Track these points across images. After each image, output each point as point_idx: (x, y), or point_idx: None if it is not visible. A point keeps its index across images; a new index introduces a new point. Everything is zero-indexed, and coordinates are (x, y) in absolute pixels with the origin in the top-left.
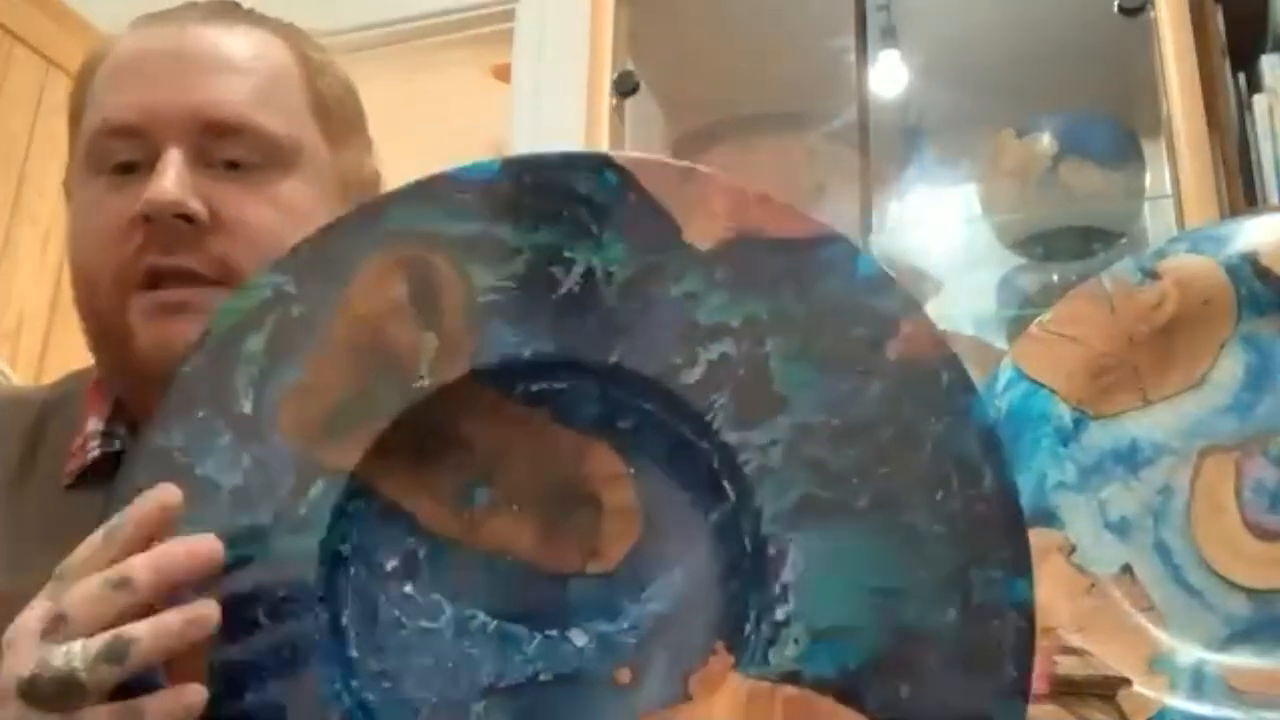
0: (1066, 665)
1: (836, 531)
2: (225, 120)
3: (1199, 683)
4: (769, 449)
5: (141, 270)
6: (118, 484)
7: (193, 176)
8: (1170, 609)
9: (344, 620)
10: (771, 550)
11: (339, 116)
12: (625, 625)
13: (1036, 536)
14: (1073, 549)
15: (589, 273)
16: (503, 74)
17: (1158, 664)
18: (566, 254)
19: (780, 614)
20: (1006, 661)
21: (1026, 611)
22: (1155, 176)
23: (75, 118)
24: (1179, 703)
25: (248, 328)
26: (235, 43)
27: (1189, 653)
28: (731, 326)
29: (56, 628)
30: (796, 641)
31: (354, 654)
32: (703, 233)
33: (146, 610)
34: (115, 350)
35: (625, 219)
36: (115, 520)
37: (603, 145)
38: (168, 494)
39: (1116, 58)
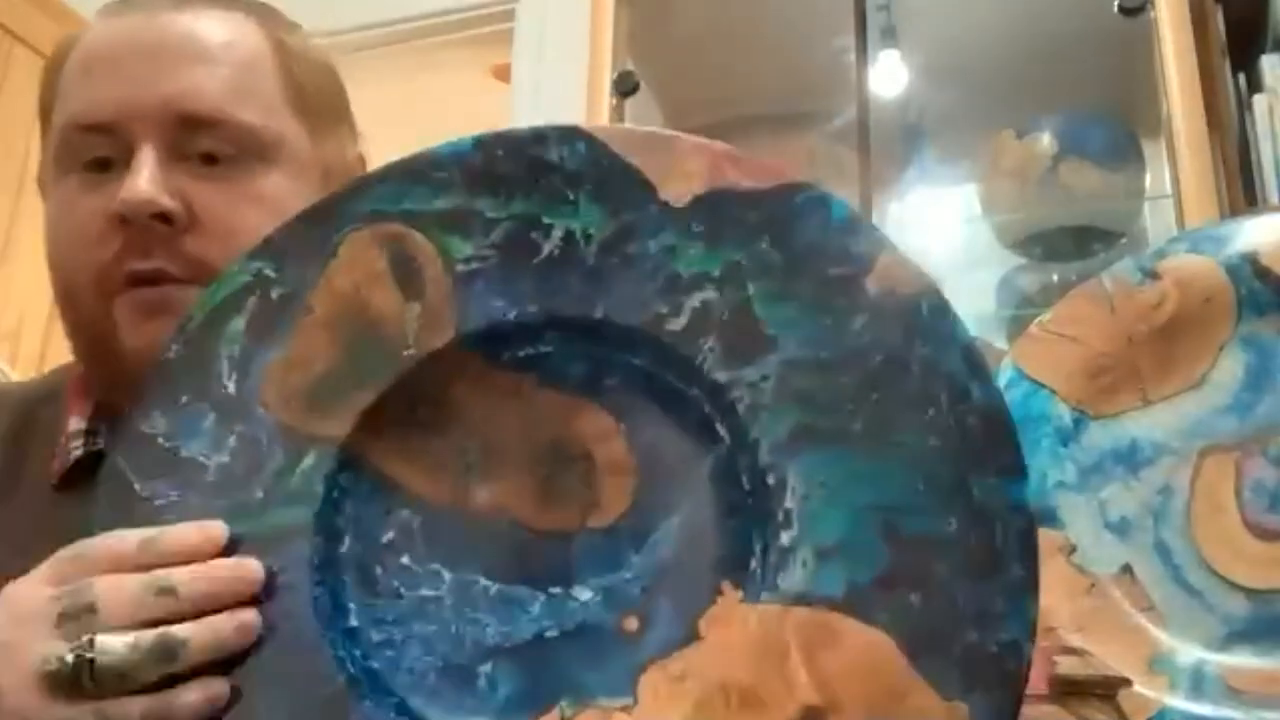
0: (1066, 665)
1: (833, 455)
2: (199, 113)
3: (1199, 683)
4: (760, 385)
5: (121, 275)
6: (103, 471)
7: (168, 173)
8: (1170, 609)
9: (342, 592)
10: (771, 480)
11: (318, 103)
12: (629, 575)
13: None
14: (1073, 549)
15: (568, 236)
16: (503, 74)
17: (1158, 664)
18: (545, 220)
19: (785, 539)
20: (1012, 561)
21: (1025, 511)
22: (1155, 176)
23: (45, 111)
24: (1179, 703)
25: (229, 312)
26: (208, 30)
27: (1189, 653)
28: (712, 275)
29: (79, 616)
30: (805, 564)
31: (355, 624)
32: (677, 190)
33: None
34: (100, 352)
35: (600, 183)
36: (152, 533)
37: None
38: (214, 530)
39: (1116, 58)
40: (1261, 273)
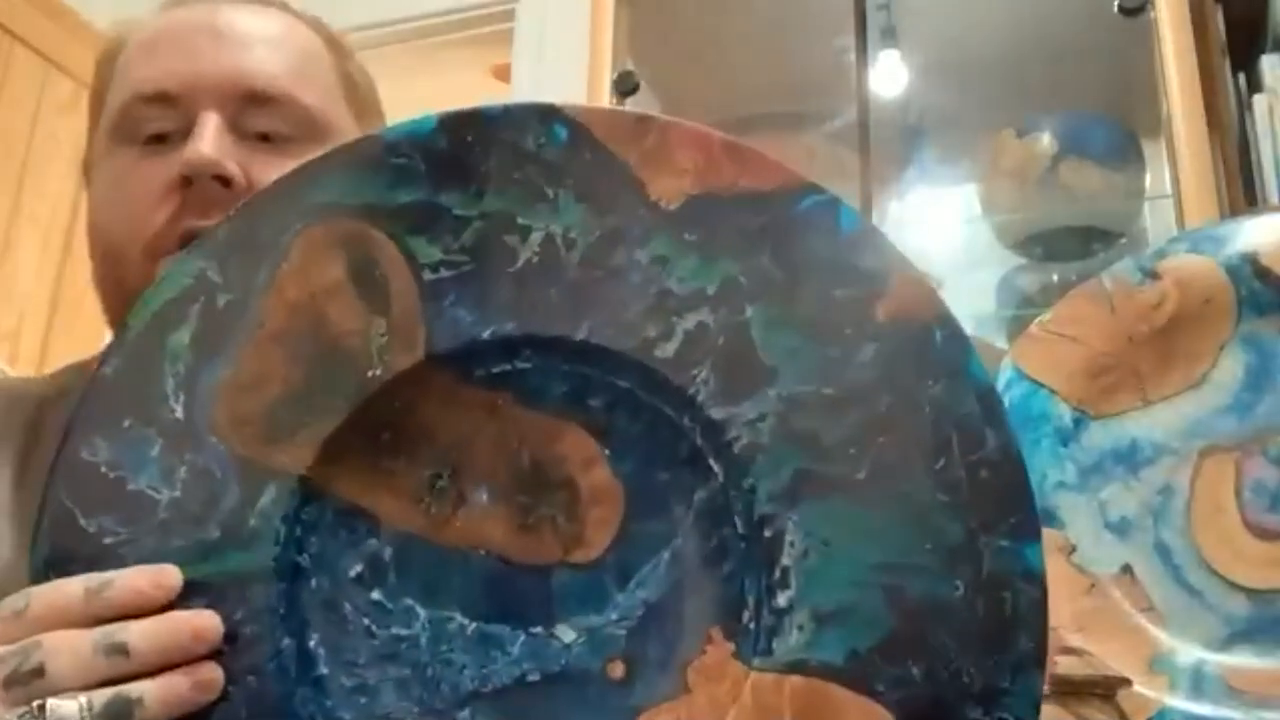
0: (1066, 665)
1: (836, 507)
2: (263, 89)
3: (1199, 683)
4: (758, 424)
5: (176, 235)
6: (44, 500)
7: (229, 144)
8: (1170, 609)
9: (310, 638)
10: (768, 532)
11: (366, 99)
12: (614, 616)
13: None
14: (1073, 549)
15: (548, 241)
16: (503, 74)
17: (1158, 664)
18: (521, 221)
19: (782, 600)
20: (1020, 632)
21: (1038, 579)
22: (1155, 176)
23: (99, 95)
24: (1179, 703)
25: (170, 322)
26: (268, 22)
27: (1189, 653)
28: (707, 293)
29: (28, 682)
30: (801, 628)
31: (324, 671)
32: (668, 190)
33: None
34: None
35: (582, 178)
36: (99, 581)
37: None
38: (168, 576)
39: (1116, 58)
40: (1261, 273)
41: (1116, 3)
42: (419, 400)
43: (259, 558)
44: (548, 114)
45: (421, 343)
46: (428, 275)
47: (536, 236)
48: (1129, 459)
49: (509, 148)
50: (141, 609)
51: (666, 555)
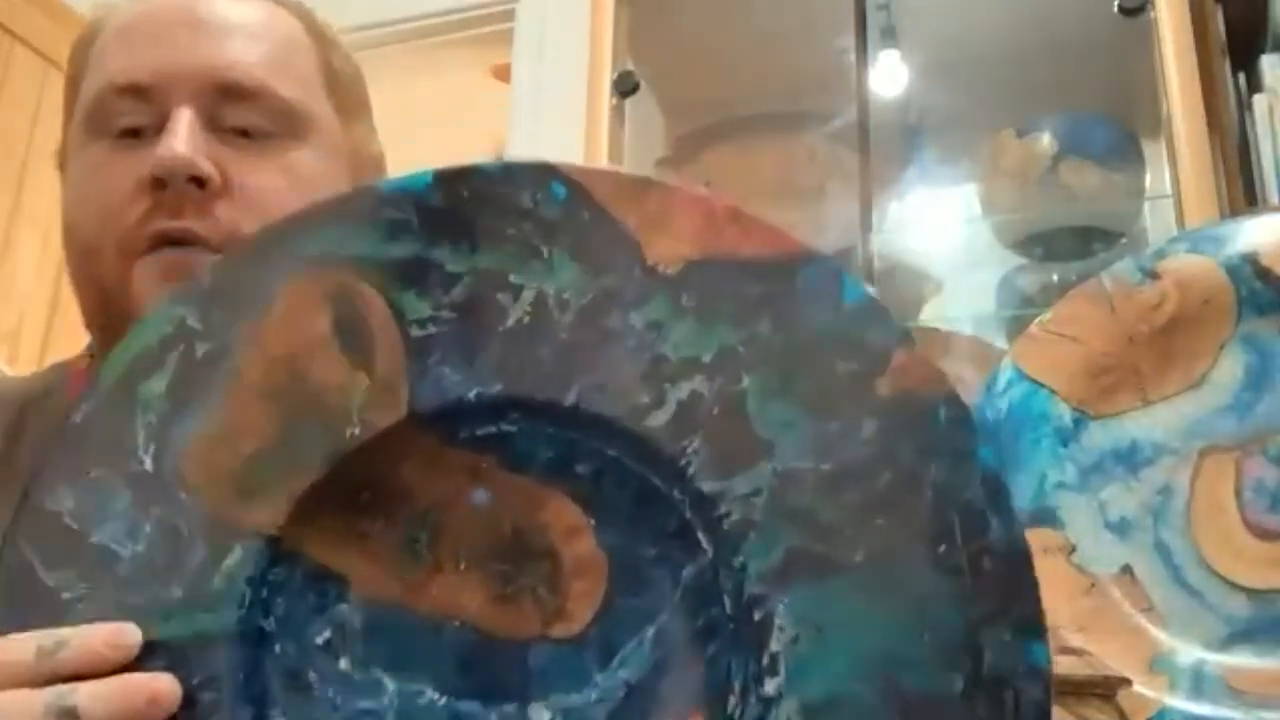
0: (1066, 665)
1: (829, 592)
2: (240, 83)
3: (1199, 683)
4: (752, 499)
5: (147, 236)
6: (3, 550)
7: (204, 140)
8: (1170, 609)
9: (270, 707)
10: (758, 614)
11: (350, 91)
12: (594, 697)
13: (1036, 536)
14: (1073, 549)
15: (540, 300)
16: (503, 74)
17: (1158, 664)
18: (513, 279)
19: (770, 688)
20: None
21: (1041, 679)
22: (1155, 176)
23: (74, 82)
24: (1179, 703)
25: (146, 369)
26: (248, 10)
27: (1189, 653)
28: (703, 361)
29: None
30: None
31: None
32: (666, 254)
33: None
34: (116, 324)
35: (578, 238)
36: (54, 640)
37: (603, 145)
38: (126, 636)
39: (1116, 58)
40: (1261, 273)
41: (1116, 3)
42: (400, 460)
43: (222, 620)
44: (546, 172)
45: (404, 401)
46: (415, 331)
47: (528, 295)
48: (1129, 459)
49: (505, 205)
50: (97, 670)
51: (651, 633)
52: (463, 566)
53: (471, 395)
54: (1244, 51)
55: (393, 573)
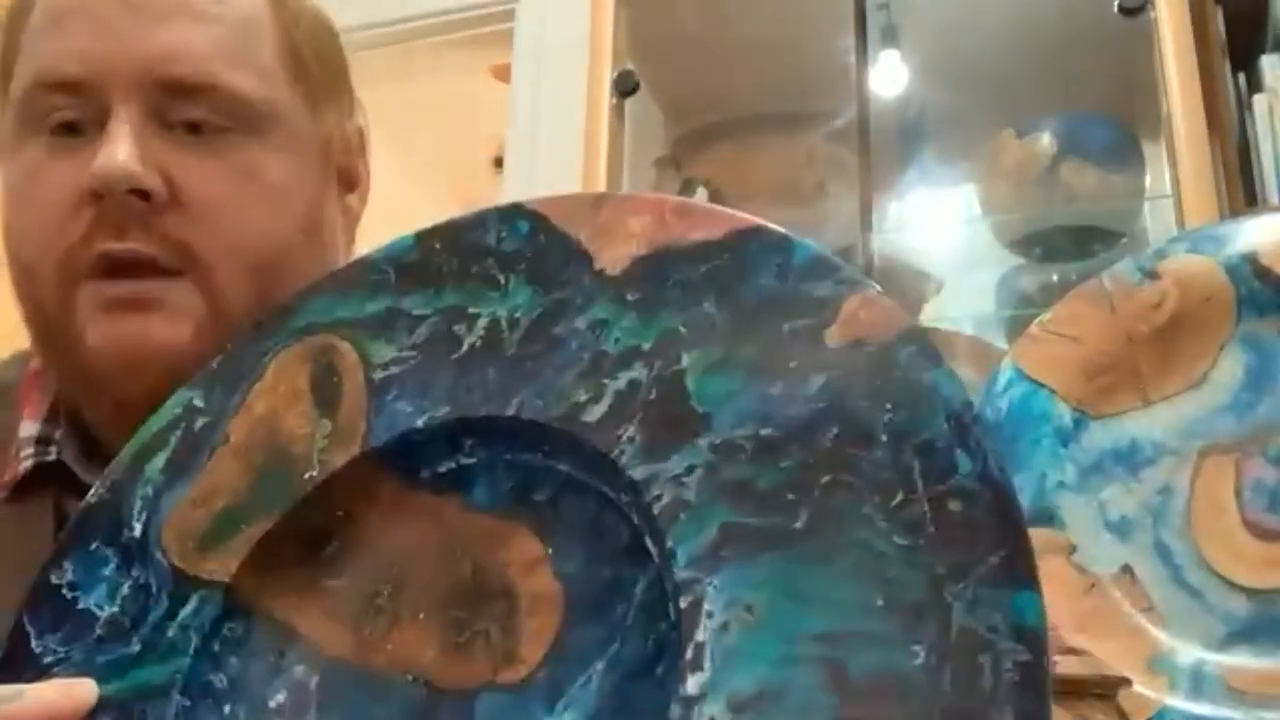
0: (1066, 665)
1: (764, 565)
2: (186, 77)
3: (1198, 683)
4: (684, 479)
5: (91, 258)
6: (9, 634)
7: (147, 142)
8: (1170, 609)
9: None
10: (684, 603)
11: (318, 70)
12: None
13: (1036, 536)
14: (1073, 549)
15: (493, 325)
16: (503, 74)
17: (1158, 664)
18: (470, 310)
19: (693, 686)
20: (1002, 711)
21: (1029, 636)
22: (1155, 176)
23: (6, 68)
24: (1179, 703)
25: (153, 449)
26: None
27: (1189, 653)
28: (643, 349)
29: None
30: None
31: None
32: (616, 256)
33: None
34: (61, 348)
35: (534, 262)
36: (12, 691)
37: (602, 145)
38: (80, 690)
39: (1116, 58)
40: (1261, 273)
41: (1116, 3)
42: (363, 509)
43: (167, 672)
44: (511, 211)
45: (359, 438)
46: (377, 375)
47: (482, 322)
48: (1129, 459)
49: (471, 247)
50: None
51: (600, 666)
52: (421, 617)
53: (420, 422)
54: (1244, 51)
55: (350, 627)
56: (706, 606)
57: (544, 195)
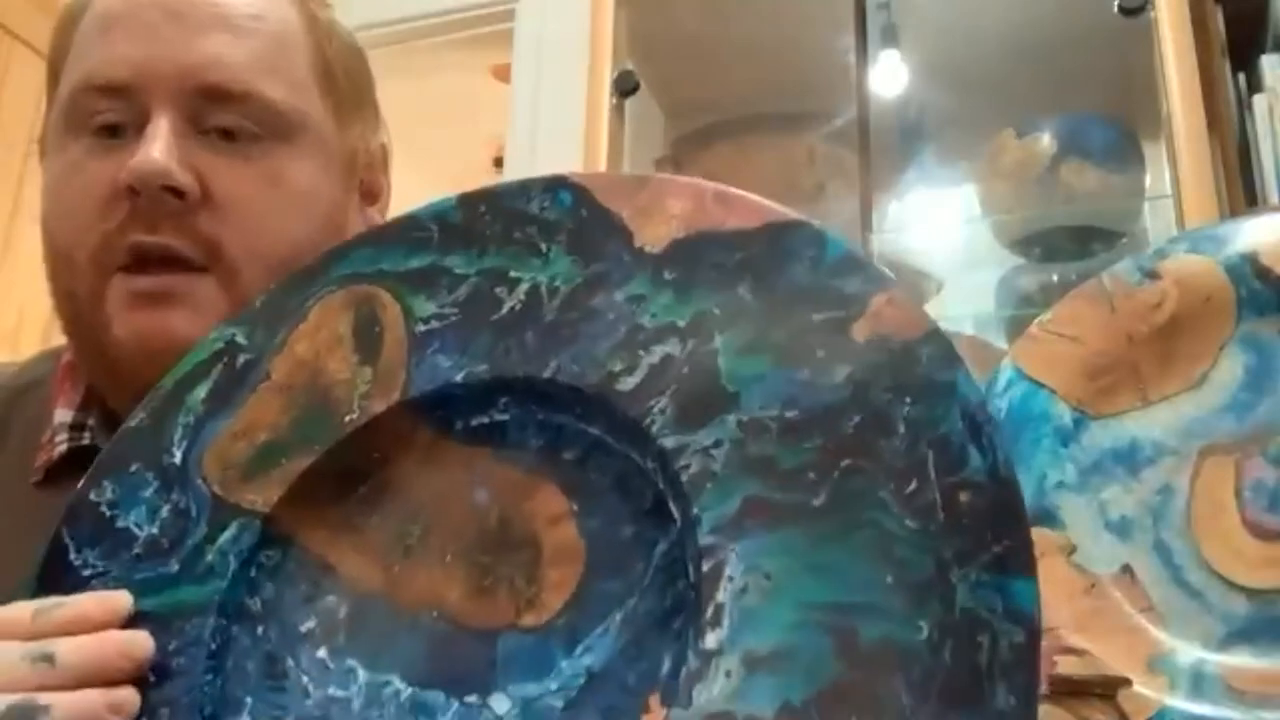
0: (1066, 665)
1: (783, 537)
2: (223, 85)
3: (1198, 682)
4: (712, 451)
5: (123, 249)
6: (46, 547)
7: (183, 145)
8: (1170, 609)
9: (242, 684)
10: (707, 566)
11: (346, 86)
12: (554, 686)
13: (1036, 537)
14: (1073, 549)
15: (533, 290)
16: (503, 74)
17: (1158, 664)
18: (512, 274)
19: (711, 641)
20: (998, 684)
21: (1026, 621)
22: (1155, 176)
23: (55, 70)
24: (1179, 703)
25: (195, 380)
26: (238, 0)
27: (1189, 653)
28: (678, 326)
29: None
30: (728, 674)
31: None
32: (655, 235)
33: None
34: (90, 336)
35: (576, 233)
36: (52, 603)
37: (602, 145)
38: (116, 601)
39: (1116, 58)
40: (1261, 273)
41: (1116, 3)
42: (399, 454)
43: (206, 593)
44: (555, 181)
45: (400, 388)
46: (419, 328)
47: (523, 287)
48: (1129, 459)
49: (515, 213)
50: (84, 630)
51: (618, 617)
52: (448, 559)
53: (459, 377)
54: (1244, 51)
55: (381, 564)
56: (728, 571)
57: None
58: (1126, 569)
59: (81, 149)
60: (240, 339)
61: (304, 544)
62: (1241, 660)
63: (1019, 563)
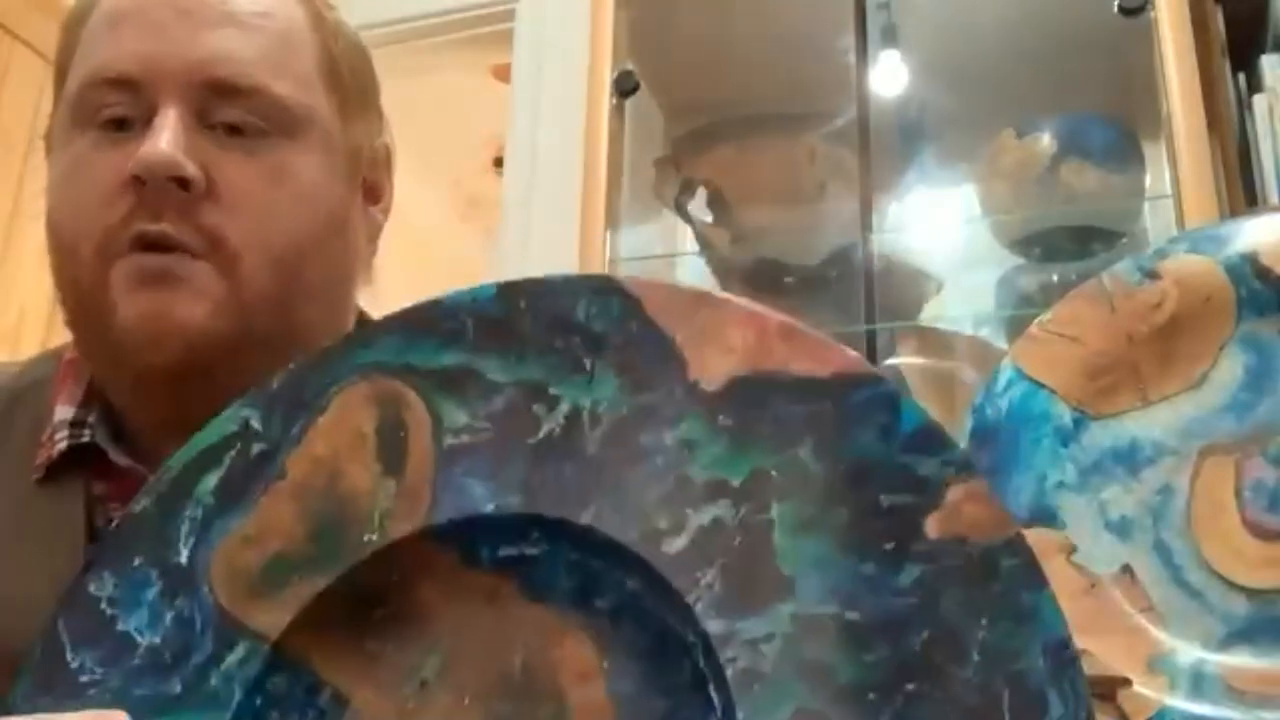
0: None
1: None
2: (230, 80)
3: (1198, 682)
4: (761, 645)
5: (127, 238)
6: (41, 633)
7: (190, 138)
8: (1170, 609)
9: None
10: None
11: (352, 85)
12: None
13: (1036, 536)
14: (1073, 549)
15: (574, 413)
16: (503, 74)
17: (1158, 664)
18: (553, 391)
19: None
20: None
21: None
22: (1155, 176)
23: (62, 67)
24: (1179, 702)
25: (205, 465)
26: None
27: (1189, 653)
28: (731, 485)
29: None
30: None
31: None
32: (712, 369)
33: None
34: (94, 325)
35: (624, 352)
36: (48, 718)
37: (602, 145)
38: None
39: (1116, 58)
40: (1261, 273)
41: (1116, 3)
42: (418, 578)
43: None
44: (605, 285)
45: (425, 511)
46: (449, 440)
47: (564, 408)
48: (1129, 459)
49: (557, 316)
50: None
51: None
52: (466, 702)
53: (490, 508)
54: (1244, 51)
55: (394, 698)
56: None
57: (639, 277)
58: (1126, 569)
59: (88, 142)
60: (255, 424)
61: (314, 670)
62: (1241, 660)
63: None
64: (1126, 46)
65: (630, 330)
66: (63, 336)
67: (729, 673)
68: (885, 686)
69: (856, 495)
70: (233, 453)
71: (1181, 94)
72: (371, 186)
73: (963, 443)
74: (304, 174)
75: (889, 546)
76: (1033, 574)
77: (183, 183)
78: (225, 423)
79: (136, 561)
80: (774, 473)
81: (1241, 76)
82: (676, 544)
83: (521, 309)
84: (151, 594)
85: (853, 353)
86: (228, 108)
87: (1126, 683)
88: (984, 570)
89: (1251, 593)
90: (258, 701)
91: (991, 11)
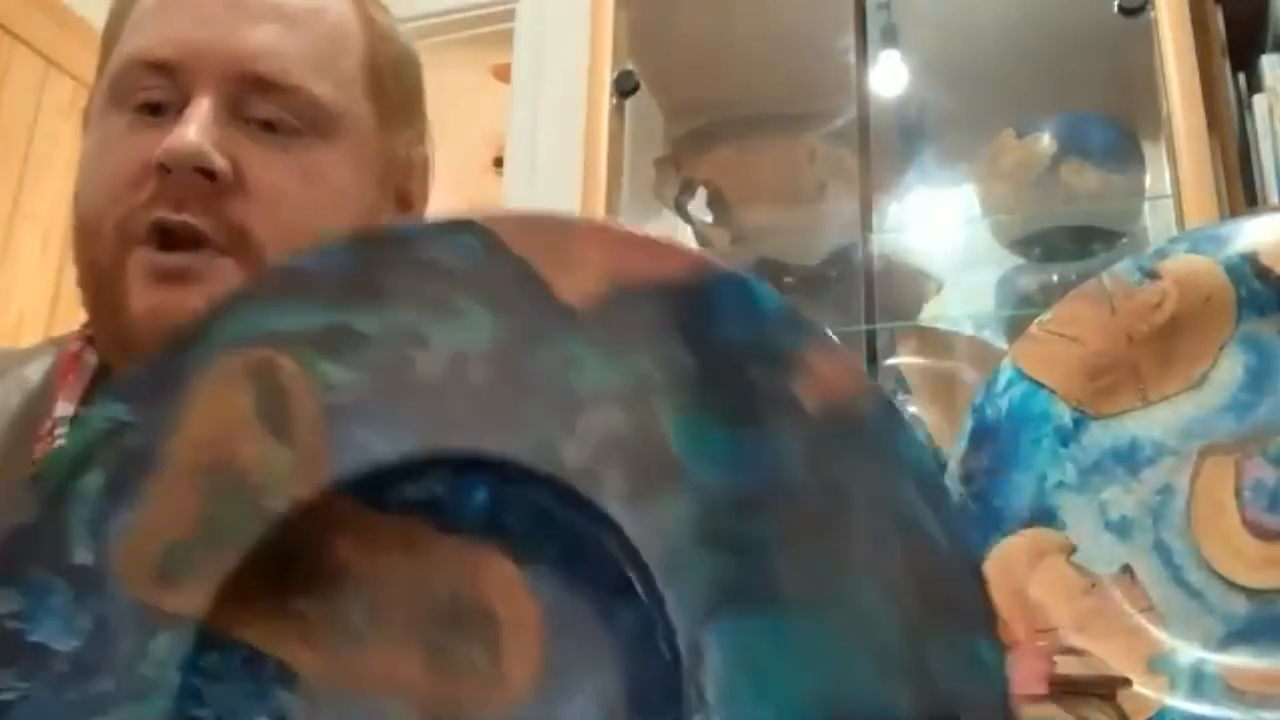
0: (1066, 665)
1: (760, 620)
2: (269, 76)
3: (1198, 682)
4: (670, 529)
5: (147, 223)
6: None
7: (222, 130)
8: (1170, 609)
9: None
10: (684, 651)
11: (395, 90)
12: None
13: (1037, 536)
14: (1073, 549)
15: (452, 351)
16: (503, 74)
17: (1157, 664)
18: (425, 333)
19: None
20: None
21: (997, 684)
22: (1155, 176)
23: (108, 44)
24: (1179, 702)
25: (83, 467)
26: None
27: (1189, 653)
28: (616, 389)
29: None
30: None
31: None
32: (575, 288)
33: None
34: (108, 311)
35: (489, 285)
36: None
37: (602, 145)
38: None
39: (1116, 58)
40: (1261, 273)
41: (1116, 3)
42: (331, 535)
43: (152, 710)
44: (459, 226)
45: (324, 470)
46: (330, 398)
47: (440, 348)
48: (1129, 459)
49: (416, 262)
50: None
51: (590, 695)
52: (401, 640)
53: (390, 455)
54: (1244, 51)
55: (330, 653)
56: (708, 658)
57: (490, 208)
58: (1126, 569)
59: (123, 123)
60: (126, 417)
61: (244, 641)
62: (1241, 660)
63: (984, 625)
64: (1126, 46)
65: (492, 264)
66: (61, 332)
67: (647, 558)
68: (785, 542)
69: (729, 376)
70: (110, 449)
71: (1181, 94)
72: (404, 195)
73: (963, 443)
74: (334, 175)
75: (765, 416)
76: (893, 418)
77: (208, 174)
78: (94, 423)
79: (35, 573)
80: (653, 372)
81: (1241, 76)
82: (575, 450)
83: (377, 261)
84: (59, 601)
85: (696, 249)
86: (263, 103)
87: (1126, 683)
88: (852, 424)
89: (1251, 593)
90: (196, 681)
91: (991, 11)
